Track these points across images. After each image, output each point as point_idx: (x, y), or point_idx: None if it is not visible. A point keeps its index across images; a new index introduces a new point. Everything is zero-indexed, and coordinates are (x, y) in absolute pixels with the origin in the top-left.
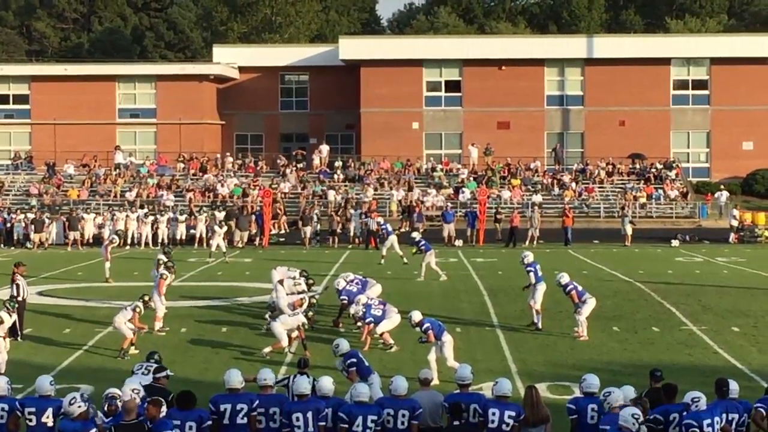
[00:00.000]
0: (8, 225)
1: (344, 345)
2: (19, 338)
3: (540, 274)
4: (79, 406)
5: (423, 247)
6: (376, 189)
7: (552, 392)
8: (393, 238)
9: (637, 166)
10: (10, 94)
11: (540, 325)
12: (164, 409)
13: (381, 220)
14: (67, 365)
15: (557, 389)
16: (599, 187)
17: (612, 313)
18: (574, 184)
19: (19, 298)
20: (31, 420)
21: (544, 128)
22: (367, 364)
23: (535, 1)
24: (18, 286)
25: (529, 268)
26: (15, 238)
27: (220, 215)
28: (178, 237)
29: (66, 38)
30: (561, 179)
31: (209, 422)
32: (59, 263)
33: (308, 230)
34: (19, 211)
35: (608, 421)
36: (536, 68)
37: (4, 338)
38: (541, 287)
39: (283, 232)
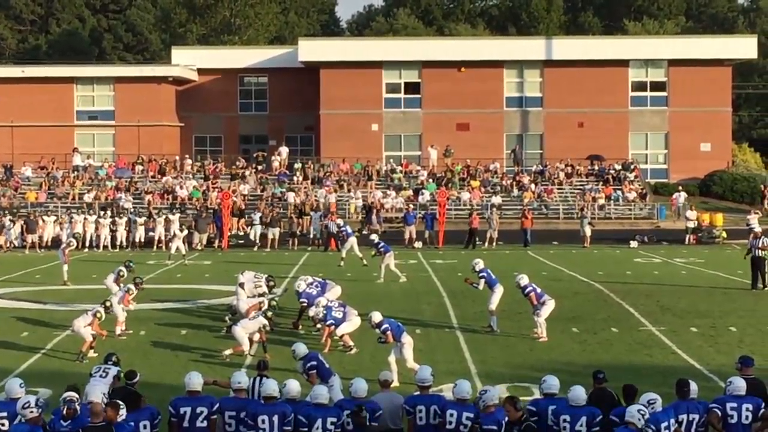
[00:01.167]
0: None
1: (301, 348)
2: None
3: (494, 277)
4: (32, 411)
5: (382, 249)
6: (335, 191)
7: (512, 393)
8: (353, 240)
9: (596, 167)
10: None
11: (496, 327)
12: (123, 412)
13: (341, 222)
14: (26, 368)
15: (517, 390)
16: (558, 189)
17: (571, 314)
18: (533, 186)
19: None
20: (3, 424)
21: (503, 130)
22: (327, 366)
23: (494, 3)
24: None
25: (481, 275)
26: None
27: (174, 218)
28: (137, 239)
29: (23, 40)
30: (520, 181)
31: (160, 417)
32: (17, 266)
33: (276, 232)
34: None
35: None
36: (495, 70)
37: None
38: (498, 290)
39: (242, 233)
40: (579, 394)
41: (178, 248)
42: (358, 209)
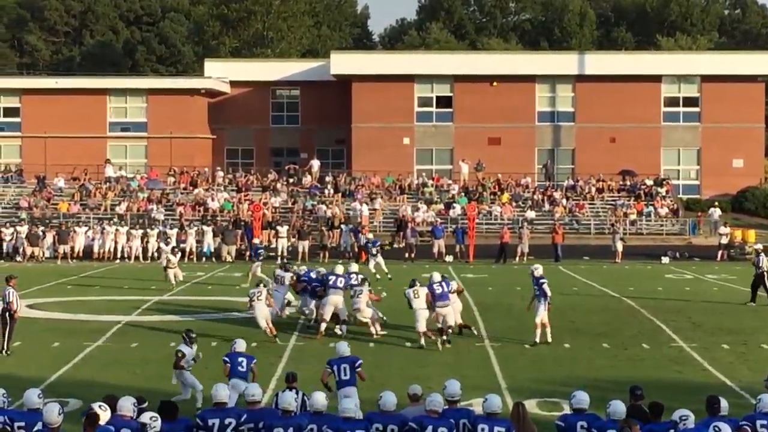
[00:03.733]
0: None
1: (343, 347)
2: (5, 352)
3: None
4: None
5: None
6: (367, 204)
7: (541, 408)
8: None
9: (628, 182)
10: (0, 107)
11: (543, 339)
12: (157, 424)
13: (371, 236)
14: (56, 379)
15: (546, 406)
16: (590, 204)
17: (601, 330)
18: (564, 201)
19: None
20: None
21: (534, 144)
22: (344, 377)
23: (527, 18)
24: (5, 297)
25: (542, 281)
26: (4, 251)
27: (208, 230)
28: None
29: (57, 51)
30: (551, 195)
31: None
32: (49, 276)
33: (306, 245)
34: (8, 224)
35: None
36: (527, 84)
37: None
38: (544, 302)
39: (273, 246)
40: (619, 408)
41: (176, 275)
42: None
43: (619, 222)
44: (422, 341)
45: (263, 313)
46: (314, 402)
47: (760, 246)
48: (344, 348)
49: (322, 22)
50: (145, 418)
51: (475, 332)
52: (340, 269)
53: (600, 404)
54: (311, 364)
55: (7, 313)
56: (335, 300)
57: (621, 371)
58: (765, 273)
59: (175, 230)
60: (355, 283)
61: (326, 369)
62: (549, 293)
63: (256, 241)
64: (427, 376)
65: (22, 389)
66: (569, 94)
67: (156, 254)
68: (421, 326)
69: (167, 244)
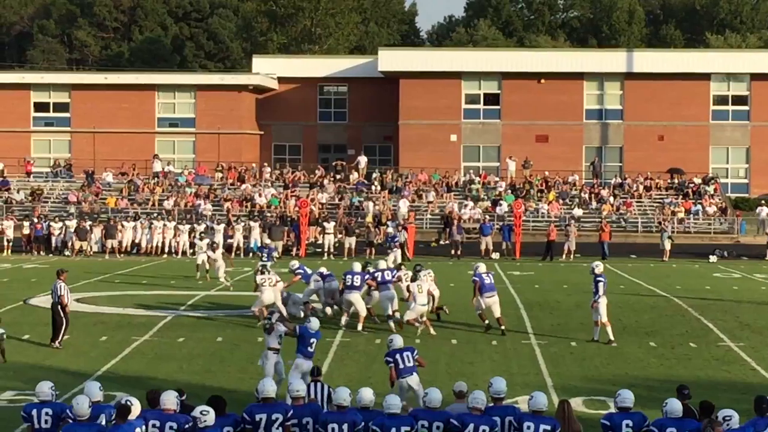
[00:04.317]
0: (47, 232)
1: (397, 341)
2: (57, 344)
3: (606, 287)
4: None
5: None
6: (413, 201)
7: (587, 407)
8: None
9: (676, 181)
10: (50, 102)
11: (612, 337)
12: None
13: (391, 230)
14: (104, 373)
15: (593, 404)
16: (637, 202)
17: (649, 328)
18: (611, 199)
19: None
20: None
21: (582, 142)
22: (407, 365)
23: (576, 15)
24: (56, 291)
25: (599, 279)
26: (53, 245)
27: (255, 225)
28: None
29: (106, 47)
30: (599, 193)
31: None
32: (97, 271)
33: (353, 241)
34: (57, 219)
35: None
36: (575, 82)
37: None
38: (604, 300)
39: (319, 242)
40: (676, 407)
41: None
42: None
43: (667, 220)
44: (393, 325)
45: (267, 298)
46: (362, 398)
47: None
48: (400, 340)
49: (370, 19)
50: (196, 411)
51: (447, 311)
52: (357, 267)
53: (647, 403)
54: (357, 360)
55: (59, 307)
56: (354, 298)
57: (668, 370)
58: None
59: (222, 226)
60: (389, 278)
61: (389, 362)
62: (600, 292)
63: (267, 241)
64: (473, 373)
65: (71, 382)
66: (617, 92)
67: (190, 248)
68: (409, 316)
69: (201, 239)
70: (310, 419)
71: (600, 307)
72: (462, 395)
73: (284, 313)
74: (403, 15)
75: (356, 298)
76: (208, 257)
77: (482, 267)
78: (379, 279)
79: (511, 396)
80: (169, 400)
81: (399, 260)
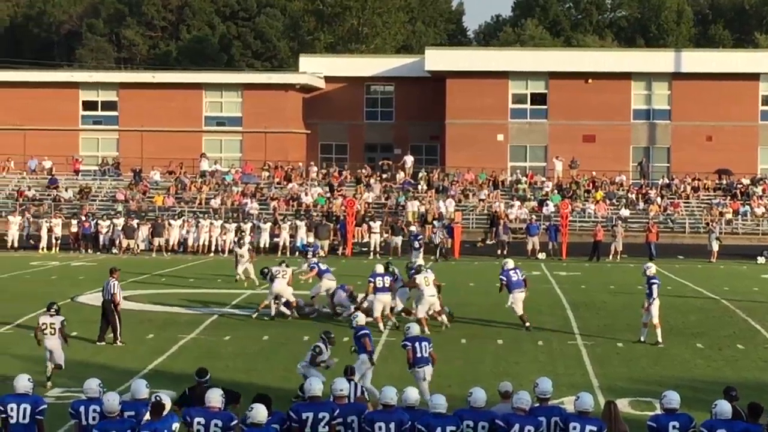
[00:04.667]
0: (94, 230)
1: (414, 329)
2: (119, 342)
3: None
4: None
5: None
6: (459, 201)
7: (634, 408)
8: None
9: (724, 181)
10: (98, 101)
11: (660, 339)
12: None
13: (414, 229)
14: (150, 370)
15: (639, 405)
16: (685, 203)
17: (696, 330)
18: (659, 199)
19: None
20: None
21: (629, 142)
22: (422, 354)
23: (623, 15)
24: (110, 289)
25: (653, 281)
26: (101, 243)
27: (301, 224)
28: (262, 245)
29: (154, 46)
30: (646, 194)
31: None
32: (144, 269)
33: (399, 240)
34: (105, 217)
35: None
36: (623, 82)
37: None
38: (657, 302)
39: (365, 241)
40: (725, 408)
41: (246, 271)
42: (416, 216)
43: (715, 221)
44: (426, 328)
45: (278, 289)
46: (408, 397)
47: None
48: (417, 328)
49: (417, 18)
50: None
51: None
52: (380, 268)
53: (693, 404)
54: (402, 359)
55: (111, 305)
56: (385, 299)
57: (715, 372)
58: None
59: (269, 225)
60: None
61: (407, 346)
62: (654, 294)
63: (310, 239)
64: (519, 373)
65: (118, 380)
66: (665, 92)
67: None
68: (422, 312)
69: (240, 246)
70: (355, 418)
71: (653, 308)
72: (507, 395)
73: (292, 301)
74: (450, 14)
75: (387, 299)
76: (235, 253)
77: (510, 263)
78: (378, 286)
79: (557, 396)
80: (215, 398)
81: (420, 260)
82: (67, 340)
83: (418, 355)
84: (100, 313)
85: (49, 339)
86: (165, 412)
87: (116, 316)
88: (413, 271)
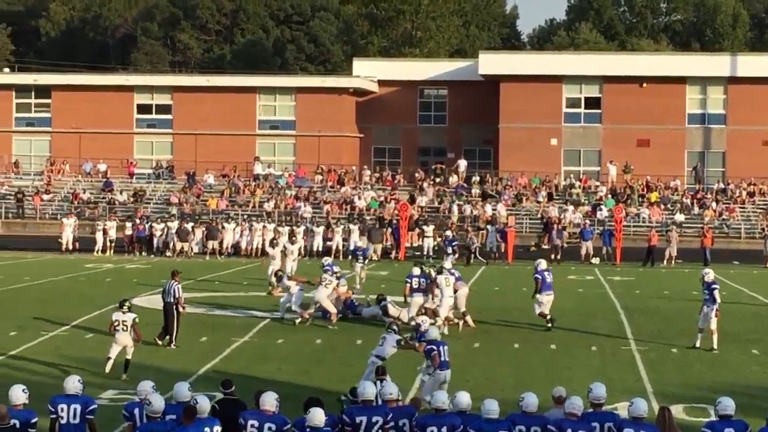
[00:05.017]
0: (148, 233)
1: (433, 332)
2: (173, 345)
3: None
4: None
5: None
6: (513, 205)
7: (688, 414)
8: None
9: None
10: (153, 104)
11: (709, 345)
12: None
13: (449, 233)
14: (203, 373)
15: (693, 411)
16: (740, 208)
17: (751, 336)
18: (714, 204)
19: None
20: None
21: (684, 147)
22: (444, 358)
23: (678, 19)
24: (174, 292)
25: (714, 286)
26: (155, 246)
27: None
28: (315, 248)
29: (208, 50)
30: (701, 199)
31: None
32: (198, 272)
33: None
34: (159, 220)
35: None
36: (678, 86)
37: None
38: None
39: (418, 245)
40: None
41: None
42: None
43: None
44: (445, 329)
45: (320, 296)
46: (459, 402)
47: None
48: (436, 331)
49: (470, 22)
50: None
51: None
52: (417, 271)
53: (749, 411)
54: (453, 364)
55: (173, 307)
56: (418, 301)
57: None
58: None
59: (321, 228)
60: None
61: (432, 350)
62: (719, 299)
63: (360, 243)
64: (572, 378)
65: (170, 382)
66: (721, 96)
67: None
68: (443, 313)
69: (273, 246)
70: (407, 421)
71: (712, 314)
72: (561, 400)
73: (331, 310)
74: (504, 18)
75: (421, 300)
76: (266, 254)
77: (543, 264)
78: (414, 287)
79: (610, 402)
80: (269, 401)
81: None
82: (140, 337)
83: (443, 358)
84: (162, 315)
85: (121, 335)
86: (202, 416)
87: (175, 319)
88: (436, 273)
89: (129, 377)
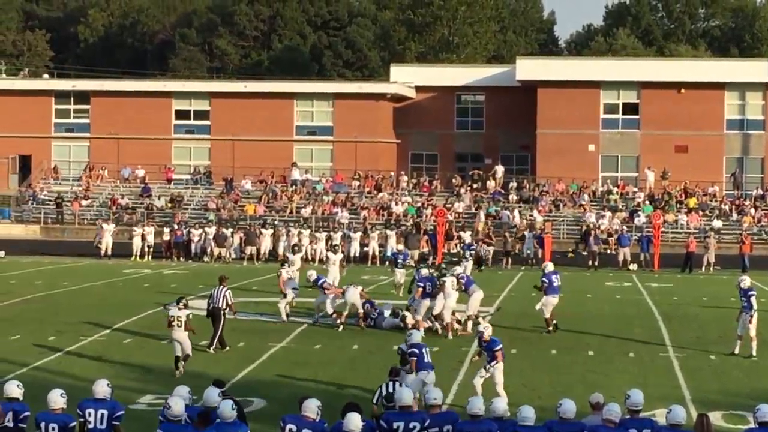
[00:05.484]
0: (186, 239)
1: (416, 336)
2: (212, 349)
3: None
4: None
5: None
6: (550, 210)
7: (726, 421)
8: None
9: None
10: (191, 110)
11: (748, 352)
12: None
13: (468, 239)
14: (241, 378)
15: (732, 418)
16: None
17: None
18: (753, 210)
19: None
20: None
21: (723, 152)
22: (427, 360)
23: (717, 24)
24: (225, 298)
25: (751, 293)
26: (193, 251)
27: (391, 234)
28: (352, 254)
29: (246, 55)
30: (740, 205)
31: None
32: (235, 277)
33: (490, 251)
34: (197, 225)
35: None
36: (716, 92)
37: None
38: (755, 314)
39: (454, 251)
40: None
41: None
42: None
43: None
44: (449, 334)
45: (352, 298)
46: (496, 408)
47: None
48: (419, 335)
49: (507, 28)
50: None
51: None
52: (424, 272)
53: None
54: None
55: (222, 312)
56: (426, 304)
57: None
58: None
59: (359, 234)
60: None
61: (414, 353)
62: (755, 306)
63: (400, 247)
64: (609, 384)
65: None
66: (760, 102)
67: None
68: (447, 316)
69: (335, 252)
70: (449, 427)
71: (753, 321)
72: (598, 407)
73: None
74: (542, 24)
75: (428, 304)
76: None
77: (550, 266)
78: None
79: (648, 409)
80: (310, 407)
81: (469, 271)
82: (194, 331)
83: (426, 360)
84: (211, 321)
85: (176, 331)
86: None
87: (221, 324)
88: (440, 276)
89: (168, 383)
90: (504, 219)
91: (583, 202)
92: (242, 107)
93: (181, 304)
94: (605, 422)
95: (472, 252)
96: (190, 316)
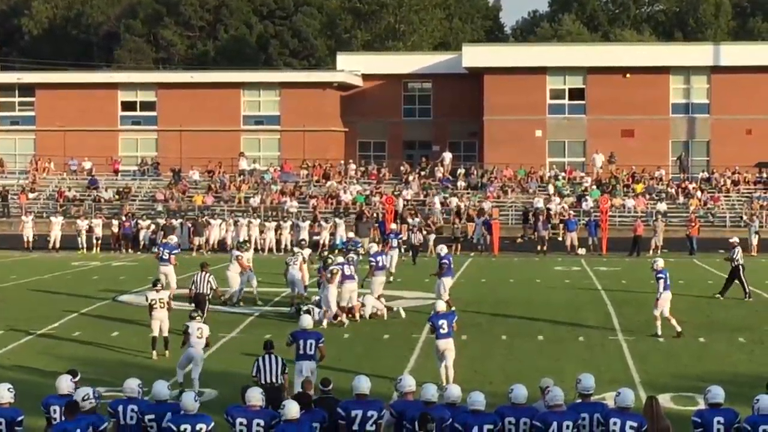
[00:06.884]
0: (134, 230)
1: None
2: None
3: (668, 282)
4: (91, 402)
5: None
6: (498, 197)
7: (676, 403)
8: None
9: (764, 175)
10: (137, 101)
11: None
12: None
13: (394, 226)
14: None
15: (681, 400)
16: (725, 197)
17: (738, 324)
18: (699, 193)
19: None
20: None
21: (668, 136)
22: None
23: (661, 9)
24: (210, 282)
25: (659, 275)
26: (141, 243)
27: (341, 222)
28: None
29: (192, 46)
30: (686, 188)
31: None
32: (183, 268)
33: (431, 237)
34: (145, 217)
35: None
36: (661, 76)
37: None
38: (667, 295)
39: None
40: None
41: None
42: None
43: (756, 215)
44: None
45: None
46: (449, 394)
47: (736, 239)
48: (309, 321)
49: (453, 15)
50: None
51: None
52: (340, 259)
53: (736, 399)
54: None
55: (206, 297)
56: (349, 288)
57: (759, 367)
58: (741, 266)
59: (308, 223)
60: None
61: (289, 340)
62: (661, 288)
63: (351, 235)
64: (560, 369)
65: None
66: (704, 86)
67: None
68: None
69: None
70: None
71: (662, 302)
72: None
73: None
74: (487, 11)
75: (354, 287)
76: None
77: (445, 249)
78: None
79: (598, 392)
80: (255, 396)
81: (395, 260)
82: (170, 310)
83: (302, 351)
84: (194, 306)
85: (157, 311)
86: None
87: (205, 309)
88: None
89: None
90: (452, 206)
91: (532, 190)
92: (189, 98)
93: (158, 285)
94: (551, 409)
95: (400, 239)
96: (171, 296)
